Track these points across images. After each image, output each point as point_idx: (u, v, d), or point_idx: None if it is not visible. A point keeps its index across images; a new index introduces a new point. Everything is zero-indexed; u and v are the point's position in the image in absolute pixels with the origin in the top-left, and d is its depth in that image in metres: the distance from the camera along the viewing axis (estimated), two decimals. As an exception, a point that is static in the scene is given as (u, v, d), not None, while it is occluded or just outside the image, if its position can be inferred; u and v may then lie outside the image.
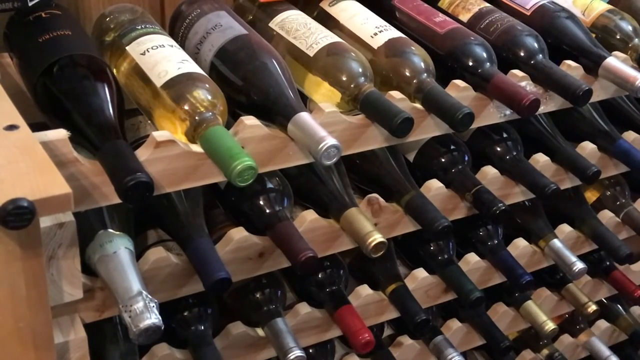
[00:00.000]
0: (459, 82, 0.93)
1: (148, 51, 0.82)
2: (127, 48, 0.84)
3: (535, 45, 0.99)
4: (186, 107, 0.76)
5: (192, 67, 0.80)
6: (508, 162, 1.06)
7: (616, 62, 1.01)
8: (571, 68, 1.01)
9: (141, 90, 0.80)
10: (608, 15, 1.11)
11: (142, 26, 0.86)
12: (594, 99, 1.01)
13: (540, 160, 1.07)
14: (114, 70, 0.83)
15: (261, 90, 0.82)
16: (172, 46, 0.83)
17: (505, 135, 1.07)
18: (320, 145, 0.75)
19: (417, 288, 1.04)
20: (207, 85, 0.78)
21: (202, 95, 0.77)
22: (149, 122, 0.86)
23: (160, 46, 0.82)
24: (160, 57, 0.81)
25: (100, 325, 0.80)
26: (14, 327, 0.59)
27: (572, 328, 1.36)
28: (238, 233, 0.85)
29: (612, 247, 1.16)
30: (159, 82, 0.78)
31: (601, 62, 1.01)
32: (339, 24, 0.97)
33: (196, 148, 0.76)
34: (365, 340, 0.92)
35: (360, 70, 0.87)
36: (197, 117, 0.75)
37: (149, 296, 0.70)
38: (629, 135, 1.17)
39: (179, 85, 0.77)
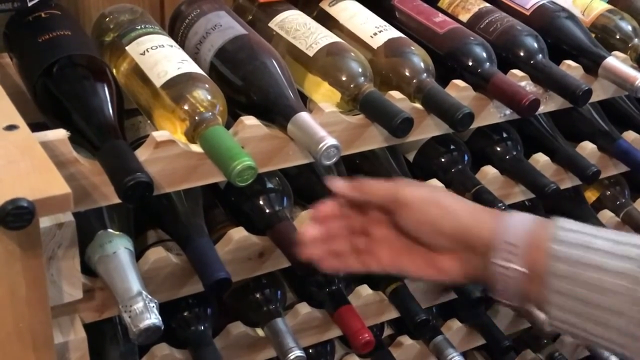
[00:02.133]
0: (458, 82, 0.93)
1: (148, 51, 0.82)
2: (126, 48, 0.84)
3: (535, 45, 0.99)
4: (186, 107, 0.76)
5: (191, 67, 0.80)
6: (508, 161, 1.06)
7: (616, 62, 1.01)
8: (571, 68, 1.01)
9: (141, 90, 0.80)
10: (608, 15, 1.11)
11: (142, 26, 0.86)
12: (594, 98, 1.01)
13: (540, 160, 1.07)
14: (114, 71, 0.83)
15: (261, 90, 0.82)
16: (171, 46, 0.83)
17: (505, 135, 1.07)
18: (320, 145, 0.75)
19: (417, 288, 1.04)
20: (206, 85, 0.78)
21: (202, 95, 0.77)
22: (149, 122, 0.86)
23: (160, 46, 0.82)
24: (160, 57, 0.81)
25: (100, 325, 0.80)
26: (14, 327, 0.59)
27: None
28: (238, 233, 0.85)
29: (612, 247, 1.16)
30: (158, 82, 0.78)
31: (601, 62, 1.01)
32: (339, 24, 0.97)
33: (196, 148, 0.76)
34: (365, 340, 0.92)
35: (360, 70, 0.87)
36: (196, 117, 0.75)
37: (149, 296, 0.70)
38: (629, 135, 1.17)
39: (179, 85, 0.77)
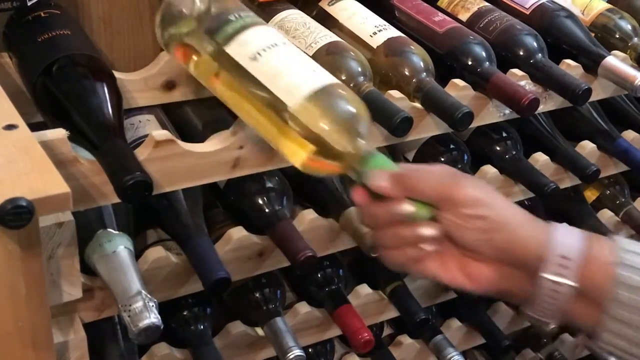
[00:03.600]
0: (458, 82, 0.93)
1: (260, 55, 0.67)
2: (226, 50, 0.69)
3: (535, 44, 0.99)
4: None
5: (326, 77, 0.67)
6: (507, 161, 1.06)
7: (615, 61, 1.01)
8: (570, 67, 1.01)
9: (256, 106, 0.68)
10: (607, 14, 1.11)
11: (237, 15, 0.70)
12: (594, 98, 1.01)
13: (539, 159, 1.07)
14: (192, 70, 0.73)
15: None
16: (284, 44, 0.70)
17: (504, 134, 1.07)
18: (320, 145, 0.75)
19: (417, 287, 1.04)
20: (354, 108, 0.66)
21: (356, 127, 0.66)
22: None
23: (273, 45, 0.68)
24: (280, 64, 0.67)
25: (99, 324, 0.80)
26: (14, 327, 0.59)
27: (573, 327, 1.36)
28: (237, 232, 0.85)
29: (611, 246, 1.16)
30: (291, 101, 0.65)
31: (600, 61, 1.01)
32: (338, 23, 0.97)
33: (196, 147, 0.76)
34: (364, 339, 0.92)
35: (360, 69, 0.87)
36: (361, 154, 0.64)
37: (149, 296, 0.70)
38: (629, 134, 1.17)
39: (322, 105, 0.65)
